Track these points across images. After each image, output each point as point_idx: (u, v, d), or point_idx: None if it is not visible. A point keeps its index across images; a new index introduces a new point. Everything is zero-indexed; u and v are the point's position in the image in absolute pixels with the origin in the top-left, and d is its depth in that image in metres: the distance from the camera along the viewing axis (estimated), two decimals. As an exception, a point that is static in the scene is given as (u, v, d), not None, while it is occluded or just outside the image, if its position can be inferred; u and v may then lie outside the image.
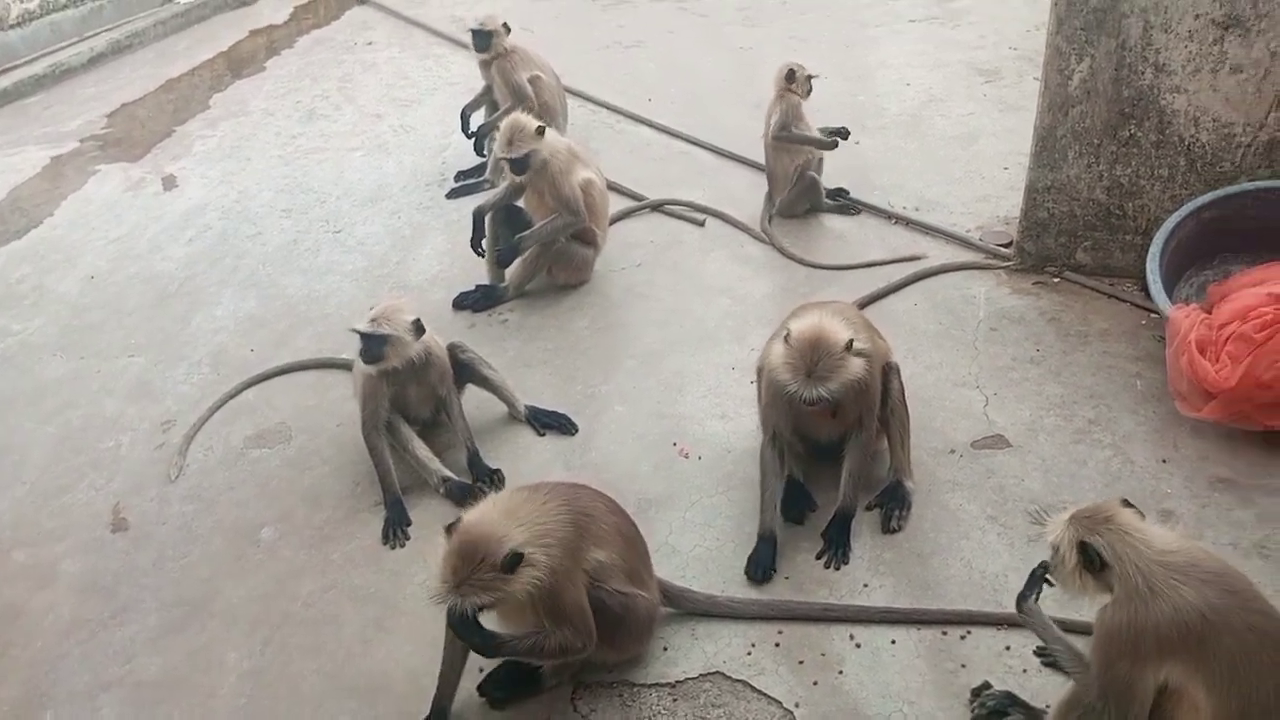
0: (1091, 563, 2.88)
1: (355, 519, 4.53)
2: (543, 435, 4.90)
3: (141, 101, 9.08)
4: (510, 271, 5.86)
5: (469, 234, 5.86)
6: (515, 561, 3.17)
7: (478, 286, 5.90)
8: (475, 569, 3.13)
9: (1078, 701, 3.09)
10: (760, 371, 4.36)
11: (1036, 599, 3.22)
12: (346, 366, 5.12)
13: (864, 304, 5.33)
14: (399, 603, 4.06)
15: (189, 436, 5.10)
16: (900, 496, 4.28)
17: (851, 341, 3.93)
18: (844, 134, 6.19)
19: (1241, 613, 2.79)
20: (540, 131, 5.54)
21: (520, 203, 5.85)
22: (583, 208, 5.66)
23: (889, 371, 4.34)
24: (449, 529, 3.26)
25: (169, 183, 7.60)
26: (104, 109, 8.94)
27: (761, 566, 4.06)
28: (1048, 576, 3.21)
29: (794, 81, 6.14)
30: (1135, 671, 2.88)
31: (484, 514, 3.33)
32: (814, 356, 3.88)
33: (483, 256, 5.88)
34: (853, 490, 4.22)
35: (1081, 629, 3.50)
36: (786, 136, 6.15)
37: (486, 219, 5.81)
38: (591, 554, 3.44)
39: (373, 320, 4.48)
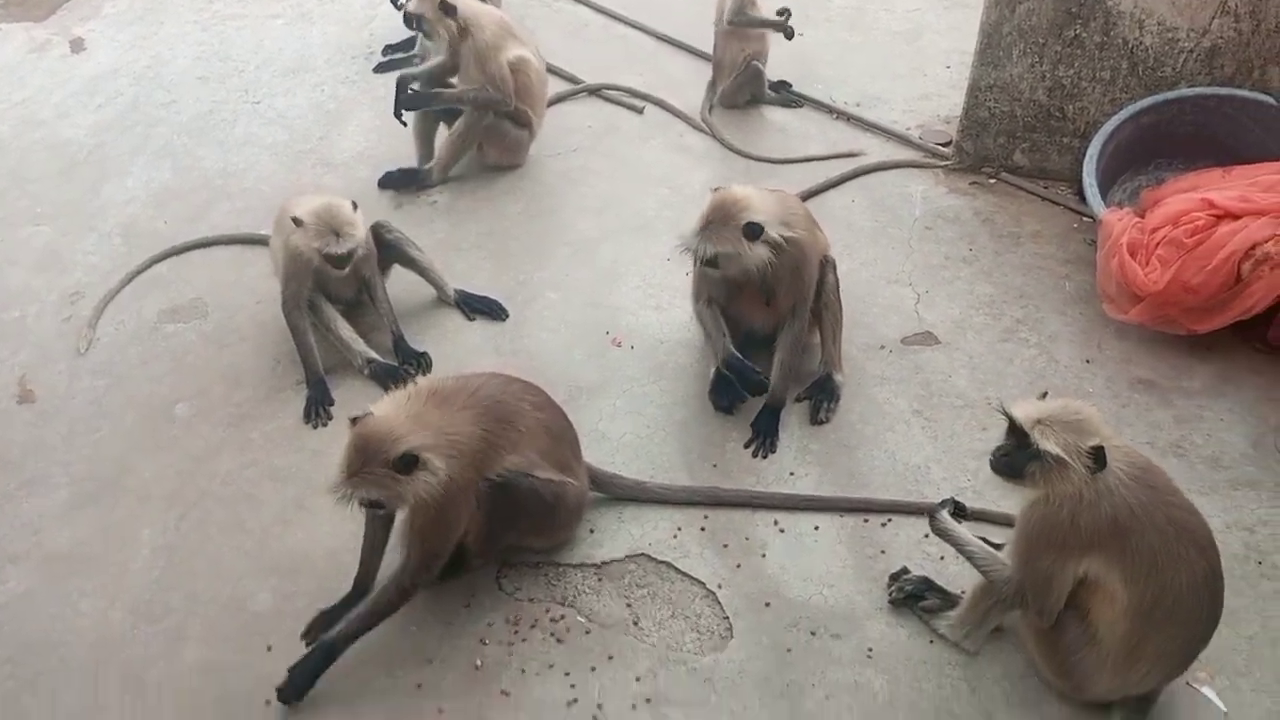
0: (1099, 464, 2.83)
1: (275, 398, 4.40)
2: (472, 320, 4.80)
3: (46, -44, 8.48)
4: (436, 150, 5.63)
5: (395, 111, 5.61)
6: (409, 463, 3.11)
7: (401, 170, 5.67)
8: (368, 463, 3.08)
9: (993, 590, 3.17)
10: None
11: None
12: (265, 242, 4.92)
13: (803, 198, 5.26)
14: (320, 483, 3.88)
15: (99, 309, 4.89)
16: (829, 389, 4.29)
17: (753, 225, 3.88)
18: (786, 14, 6.04)
19: (1162, 507, 2.86)
20: (445, 8, 5.29)
21: (453, 80, 5.61)
22: (509, 88, 5.43)
23: (825, 265, 4.31)
24: (354, 420, 3.18)
25: (76, 45, 7.14)
26: (4, -37, 8.34)
27: (725, 395, 4.19)
28: (960, 506, 3.33)
29: (747, -36, 5.94)
30: (1058, 565, 2.94)
31: (393, 411, 3.25)
32: (714, 217, 3.91)
33: (405, 126, 5.64)
34: (783, 381, 4.22)
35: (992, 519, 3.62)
36: (744, 20, 5.97)
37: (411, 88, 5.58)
38: (504, 459, 3.37)
39: (339, 237, 4.28)
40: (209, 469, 4.09)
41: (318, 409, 4.30)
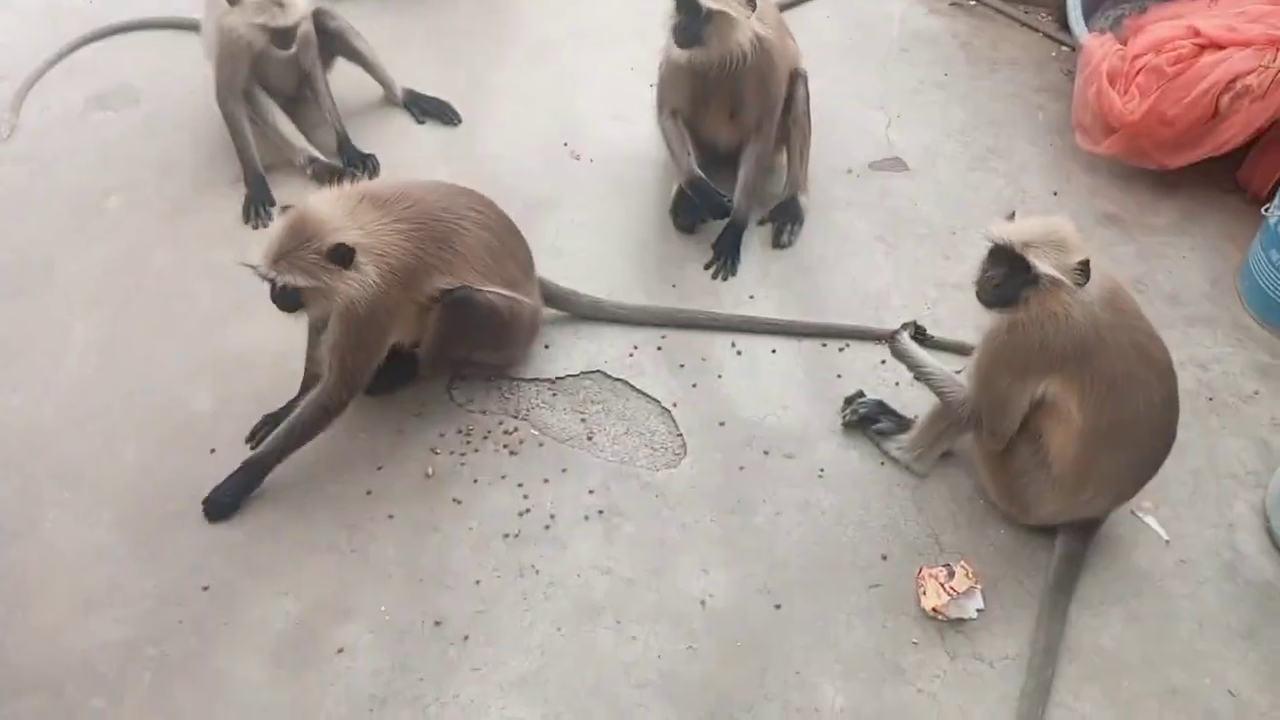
0: (1086, 277, 2.74)
1: (212, 191, 4.17)
2: (422, 123, 4.56)
3: None
4: None
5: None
6: (343, 255, 2.95)
7: None
8: (299, 247, 2.92)
9: (946, 413, 3.16)
10: (663, 50, 4.04)
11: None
12: (199, 26, 4.57)
13: (780, 9, 4.99)
14: (259, 284, 3.75)
15: (21, 93, 4.56)
16: (794, 212, 4.17)
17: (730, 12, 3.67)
18: None
19: (1128, 331, 2.83)
20: None
21: None
22: None
23: (796, 78, 4.12)
24: (286, 209, 3.01)
25: None
26: None
27: (687, 214, 4.09)
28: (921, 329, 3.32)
29: None
30: (1016, 385, 2.92)
31: (327, 204, 3.07)
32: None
33: None
34: (746, 200, 4.09)
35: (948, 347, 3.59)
36: None
37: None
38: (436, 281, 3.21)
39: (282, 7, 3.94)
40: (142, 263, 3.90)
41: (257, 208, 4.08)
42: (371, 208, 3.13)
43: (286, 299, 3.02)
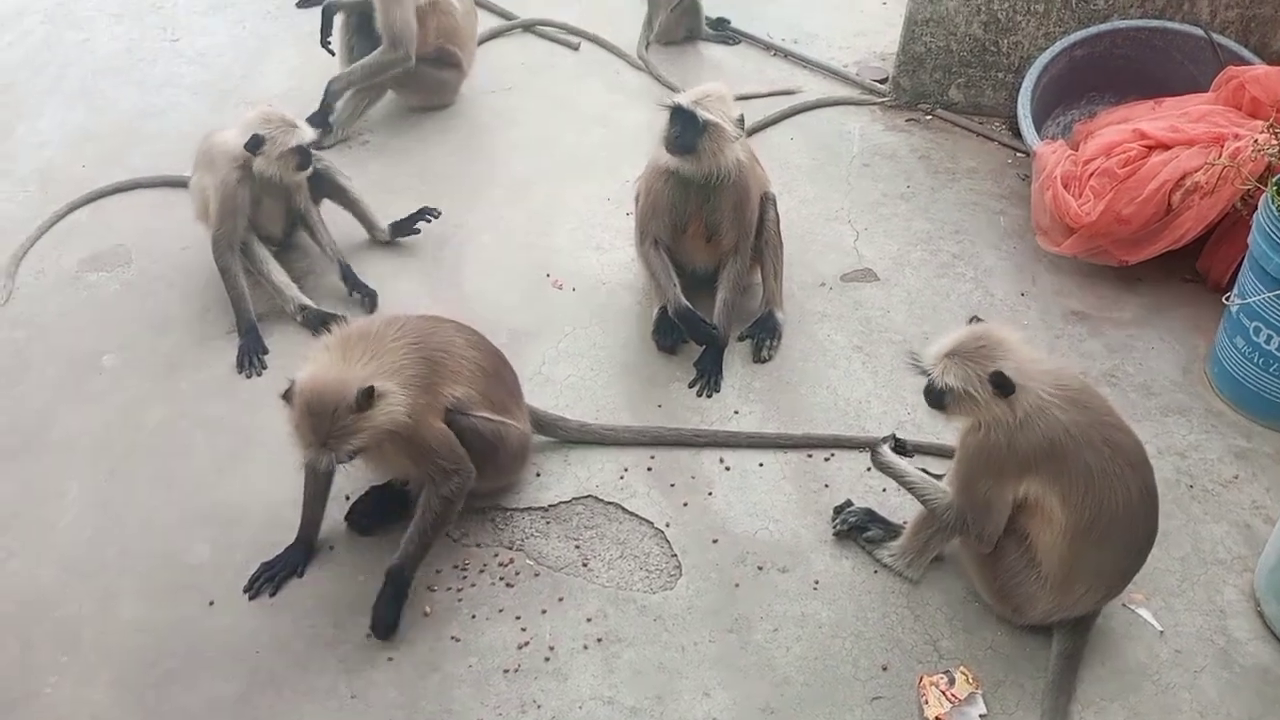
0: (1006, 390, 2.87)
1: (206, 346, 4.27)
2: (417, 231, 4.69)
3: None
4: (338, 110, 5.36)
5: (322, 40, 5.42)
6: (368, 396, 3.03)
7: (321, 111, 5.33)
8: (333, 419, 2.99)
9: (934, 518, 3.21)
10: (642, 178, 4.25)
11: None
12: (187, 184, 4.74)
13: (740, 136, 5.22)
14: (254, 433, 3.87)
15: (17, 258, 4.67)
16: (771, 327, 4.29)
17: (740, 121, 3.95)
18: None
19: (1098, 427, 2.91)
20: None
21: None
22: (411, 41, 5.16)
23: (765, 201, 4.29)
24: (286, 395, 3.07)
25: (-23, -19, 6.77)
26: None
27: (668, 335, 4.21)
28: (901, 442, 3.39)
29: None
30: (996, 489, 2.99)
31: (321, 366, 3.14)
32: (701, 94, 3.94)
33: (333, 55, 5.44)
34: (726, 320, 4.21)
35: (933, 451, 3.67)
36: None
37: (338, 24, 5.38)
38: (449, 389, 3.31)
39: (297, 127, 4.22)
40: (137, 421, 3.96)
41: (251, 358, 4.18)
42: (365, 346, 3.22)
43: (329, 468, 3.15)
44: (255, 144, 4.15)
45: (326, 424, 2.98)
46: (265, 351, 4.22)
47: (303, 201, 4.45)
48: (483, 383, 3.45)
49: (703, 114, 3.86)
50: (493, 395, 3.49)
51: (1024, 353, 2.96)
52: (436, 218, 4.68)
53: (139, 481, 3.75)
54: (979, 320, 3.12)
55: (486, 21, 6.12)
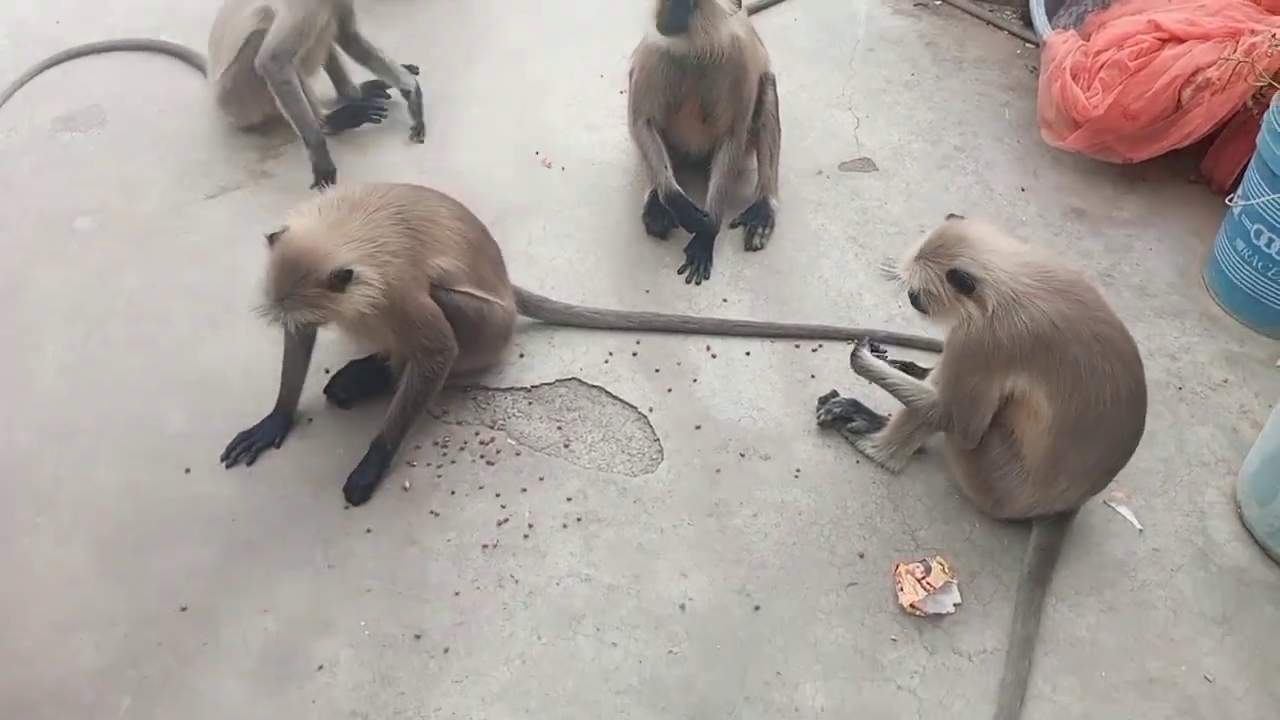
0: (966, 286, 2.84)
1: (183, 212, 4.16)
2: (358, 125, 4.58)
3: None
4: None
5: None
6: (343, 279, 2.95)
7: None
8: (299, 283, 2.92)
9: (916, 417, 3.19)
10: (636, 54, 4.09)
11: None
12: (170, 51, 4.57)
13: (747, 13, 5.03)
14: (232, 301, 3.76)
15: (-13, 114, 4.53)
16: (765, 215, 4.19)
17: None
18: None
19: (1089, 322, 2.85)
20: None
21: None
22: None
23: (765, 81, 4.14)
24: (271, 238, 2.99)
25: None
26: None
27: (660, 219, 4.11)
28: (876, 344, 3.38)
29: None
30: (983, 384, 2.95)
31: (311, 224, 3.06)
32: None
33: None
34: (718, 205, 4.11)
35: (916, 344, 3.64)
36: None
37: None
38: (435, 260, 3.24)
39: None
40: (114, 285, 3.88)
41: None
42: (350, 211, 3.13)
43: (301, 332, 3.06)
44: None
45: (288, 287, 2.92)
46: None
47: (354, 25, 4.42)
48: (468, 256, 3.37)
49: None
50: (478, 270, 3.41)
51: (995, 245, 2.90)
52: (379, 121, 4.58)
53: (115, 346, 3.68)
54: (956, 217, 3.04)
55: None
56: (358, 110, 4.59)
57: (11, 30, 4.97)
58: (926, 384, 3.15)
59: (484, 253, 3.48)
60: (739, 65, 3.91)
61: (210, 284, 3.88)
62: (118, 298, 3.84)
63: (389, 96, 4.67)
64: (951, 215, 3.10)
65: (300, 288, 2.92)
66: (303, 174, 4.29)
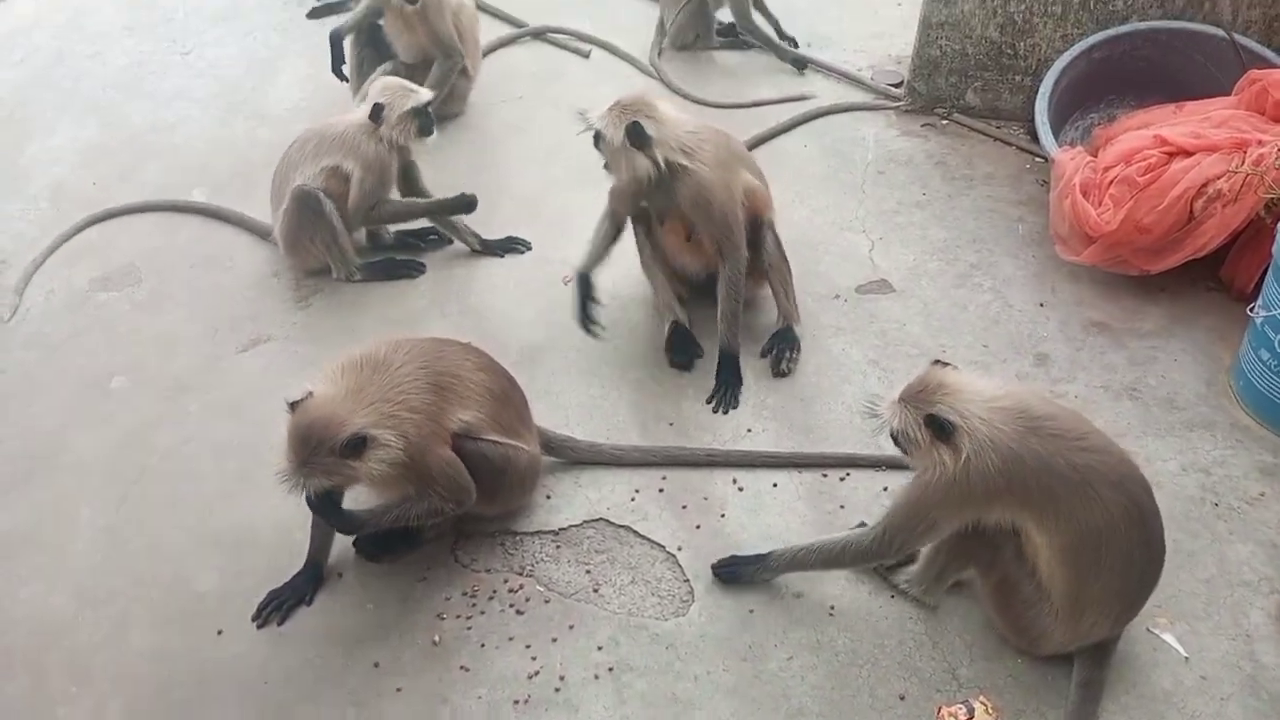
0: (944, 432, 2.87)
1: (214, 368, 4.25)
2: (501, 255, 4.78)
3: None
4: None
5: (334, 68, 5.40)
6: (357, 445, 3.01)
7: None
8: (314, 452, 2.98)
9: (942, 545, 3.18)
10: None
11: None
12: (202, 211, 4.74)
13: (753, 145, 5.16)
14: (263, 454, 3.77)
15: (27, 276, 4.70)
16: (790, 339, 4.22)
17: (639, 130, 3.84)
18: None
19: (1067, 452, 2.85)
20: None
21: (382, 23, 5.38)
22: (457, 47, 5.26)
23: (763, 227, 4.19)
24: (292, 405, 3.06)
25: (-10, -4, 6.79)
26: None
27: (682, 351, 4.20)
28: None
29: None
30: (948, 518, 3.00)
31: (331, 390, 3.13)
32: (621, 106, 3.90)
33: (346, 81, 5.43)
34: (729, 329, 4.12)
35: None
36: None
37: (347, 41, 5.36)
38: (457, 414, 3.29)
39: (413, 90, 4.49)
40: (148, 444, 3.95)
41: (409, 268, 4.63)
42: (371, 372, 3.19)
43: (322, 500, 3.11)
44: (377, 112, 4.35)
45: (305, 455, 2.97)
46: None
47: (417, 172, 4.68)
48: (491, 406, 3.41)
49: (599, 128, 3.89)
50: (501, 418, 3.45)
51: (973, 392, 2.93)
52: (415, 278, 4.72)
53: (149, 506, 3.73)
54: (941, 364, 3.07)
55: (497, 30, 6.09)
56: (393, 266, 4.71)
57: (52, 194, 5.18)
58: (848, 532, 3.24)
59: (508, 401, 3.52)
60: (696, 191, 3.95)
61: (241, 438, 3.94)
62: (151, 456, 3.91)
63: (422, 248, 4.82)
64: (937, 361, 3.11)
65: (316, 456, 2.98)
66: (332, 322, 4.39)
